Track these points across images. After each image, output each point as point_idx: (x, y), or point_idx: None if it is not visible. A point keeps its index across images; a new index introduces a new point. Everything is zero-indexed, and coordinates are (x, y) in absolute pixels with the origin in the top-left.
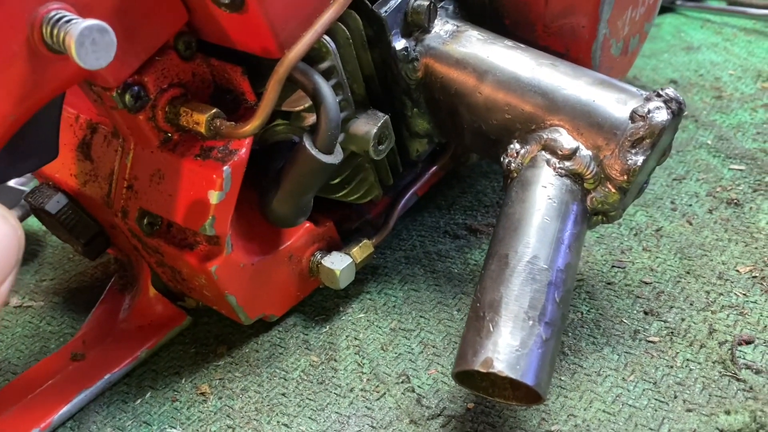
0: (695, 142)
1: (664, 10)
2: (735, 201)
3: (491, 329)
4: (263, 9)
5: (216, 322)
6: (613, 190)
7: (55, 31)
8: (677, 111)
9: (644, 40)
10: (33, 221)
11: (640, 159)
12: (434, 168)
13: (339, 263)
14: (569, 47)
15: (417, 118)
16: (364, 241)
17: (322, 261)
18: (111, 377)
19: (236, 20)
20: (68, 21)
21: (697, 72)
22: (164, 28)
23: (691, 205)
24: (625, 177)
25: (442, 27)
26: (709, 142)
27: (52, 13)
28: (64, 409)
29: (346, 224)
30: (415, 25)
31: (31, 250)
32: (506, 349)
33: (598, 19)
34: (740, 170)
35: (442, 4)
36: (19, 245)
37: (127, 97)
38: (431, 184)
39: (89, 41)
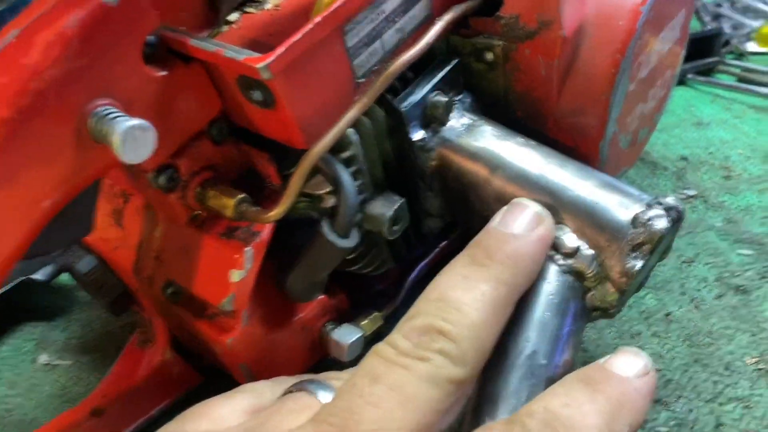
0: (704, 223)
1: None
2: (742, 288)
3: (487, 422)
4: (291, 107)
5: (228, 385)
6: (612, 290)
7: (100, 126)
8: (677, 219)
9: (654, 129)
10: (63, 276)
11: (639, 263)
12: (444, 243)
13: (349, 337)
14: (578, 143)
15: (430, 200)
16: (375, 314)
17: (332, 333)
18: None
19: (266, 114)
20: (113, 118)
21: (707, 149)
22: (200, 118)
23: (699, 290)
24: (625, 279)
25: (458, 120)
26: (718, 224)
27: (99, 109)
28: None
29: (357, 294)
30: (433, 118)
31: (61, 305)
32: None
33: (607, 120)
34: (748, 255)
35: (459, 97)
36: None
37: (161, 178)
38: (441, 256)
39: (131, 138)
